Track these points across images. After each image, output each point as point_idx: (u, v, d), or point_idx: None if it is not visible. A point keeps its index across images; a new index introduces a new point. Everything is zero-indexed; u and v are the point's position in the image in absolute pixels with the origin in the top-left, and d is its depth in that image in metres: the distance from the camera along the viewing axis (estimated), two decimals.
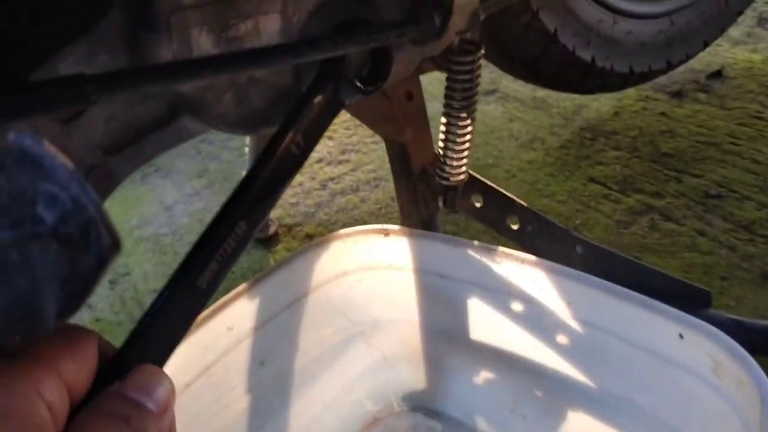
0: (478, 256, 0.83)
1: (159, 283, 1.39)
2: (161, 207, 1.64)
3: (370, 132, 1.70)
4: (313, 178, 1.68)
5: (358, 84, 0.68)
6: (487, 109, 1.80)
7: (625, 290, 0.74)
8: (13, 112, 0.51)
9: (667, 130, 1.58)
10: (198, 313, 0.60)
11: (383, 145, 1.12)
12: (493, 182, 0.97)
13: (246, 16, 0.60)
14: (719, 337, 0.65)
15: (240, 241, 0.61)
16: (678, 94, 1.70)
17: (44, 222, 0.33)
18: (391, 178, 1.64)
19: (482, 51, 0.83)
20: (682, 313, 0.70)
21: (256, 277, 0.84)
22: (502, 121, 1.74)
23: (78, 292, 0.37)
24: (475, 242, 0.83)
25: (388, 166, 1.67)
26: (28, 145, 0.33)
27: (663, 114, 1.64)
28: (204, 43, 0.59)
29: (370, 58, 0.70)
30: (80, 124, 0.61)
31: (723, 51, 1.87)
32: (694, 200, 1.35)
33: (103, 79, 0.52)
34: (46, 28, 0.59)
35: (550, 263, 0.79)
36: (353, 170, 1.70)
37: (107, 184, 0.65)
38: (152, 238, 1.55)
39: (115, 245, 0.34)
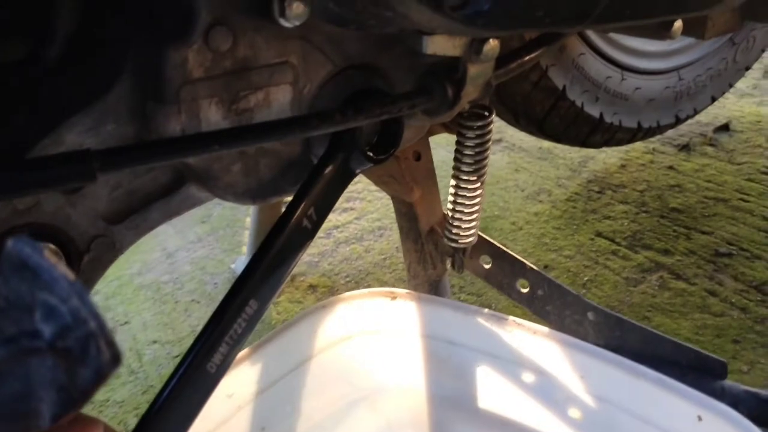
0: (488, 325, 0.81)
1: (158, 332, 1.36)
2: (163, 254, 1.63)
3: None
4: None
5: (370, 153, 0.67)
6: (492, 158, 1.79)
7: (642, 367, 0.71)
8: (18, 189, 0.49)
9: (675, 185, 1.56)
10: (208, 396, 0.58)
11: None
12: (499, 234, 0.96)
13: (257, 88, 0.59)
14: (741, 424, 0.62)
15: (250, 320, 0.59)
16: (685, 148, 1.69)
17: (42, 336, 0.31)
18: (395, 227, 1.63)
19: (493, 115, 0.82)
20: (701, 395, 0.67)
21: (258, 342, 0.82)
22: (508, 171, 1.73)
23: (74, 398, 0.35)
24: (486, 310, 0.81)
25: (392, 215, 1.67)
26: (26, 255, 0.31)
27: (671, 168, 1.63)
28: (213, 115, 0.58)
29: (381, 127, 0.69)
30: (85, 194, 0.60)
31: (729, 104, 1.87)
32: (704, 258, 1.33)
33: (110, 154, 0.51)
34: (51, 99, 0.58)
35: (563, 335, 0.76)
36: (358, 219, 1.68)
37: (110, 254, 0.63)
38: (153, 286, 1.53)
39: (115, 360, 0.32)
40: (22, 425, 0.35)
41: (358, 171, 0.67)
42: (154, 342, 1.36)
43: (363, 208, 1.71)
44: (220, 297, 1.50)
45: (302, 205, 0.62)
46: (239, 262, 1.54)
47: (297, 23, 0.52)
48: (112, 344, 0.32)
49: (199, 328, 1.36)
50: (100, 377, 0.33)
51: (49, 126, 0.56)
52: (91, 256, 0.62)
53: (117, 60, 0.57)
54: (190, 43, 0.54)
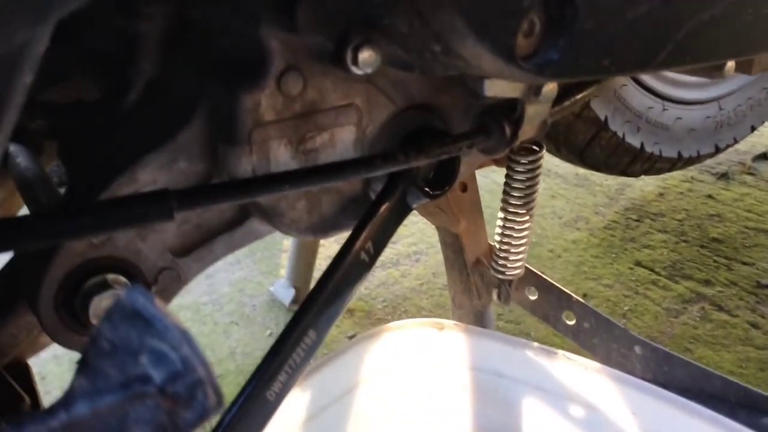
0: (536, 358, 0.82)
1: None
2: (202, 275, 1.63)
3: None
4: None
5: (426, 189, 0.68)
6: None
7: (695, 405, 0.71)
8: (100, 227, 0.52)
9: (714, 214, 1.56)
10: (266, 423, 0.60)
11: (424, 218, 1.11)
12: (537, 262, 0.96)
13: (323, 129, 0.61)
14: None
15: (309, 350, 0.61)
16: (724, 176, 1.69)
17: (152, 380, 0.33)
18: (431, 252, 1.64)
19: (543, 150, 0.83)
20: None
21: (307, 370, 0.83)
22: (545, 198, 1.73)
23: None
24: (535, 344, 0.82)
25: (428, 239, 1.68)
26: (141, 305, 0.33)
27: (709, 196, 1.63)
28: (282, 156, 0.59)
29: (438, 164, 0.70)
30: (155, 228, 0.62)
31: None
32: (745, 290, 1.32)
33: (187, 194, 0.53)
34: (127, 138, 0.61)
35: (613, 371, 0.77)
36: (393, 243, 1.69)
37: (176, 286, 0.65)
38: (192, 307, 1.55)
39: (219, 404, 0.34)
40: None
41: (415, 206, 0.69)
42: None
43: (399, 233, 1.71)
44: (259, 319, 1.52)
45: (360, 239, 0.64)
46: (278, 285, 1.56)
47: (369, 71, 0.54)
48: (217, 390, 0.34)
49: (238, 350, 1.38)
50: (202, 419, 0.35)
51: (125, 164, 0.58)
52: (158, 288, 0.64)
53: (190, 101, 0.59)
54: (263, 88, 0.56)
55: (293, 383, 0.59)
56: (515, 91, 0.64)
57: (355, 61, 0.53)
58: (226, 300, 1.57)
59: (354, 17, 0.52)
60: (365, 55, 0.53)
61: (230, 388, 1.22)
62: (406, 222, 1.87)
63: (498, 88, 0.62)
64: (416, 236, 1.69)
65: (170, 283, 0.65)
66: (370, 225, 0.63)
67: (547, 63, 0.50)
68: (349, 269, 0.62)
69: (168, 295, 0.66)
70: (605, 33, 0.50)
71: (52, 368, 1.34)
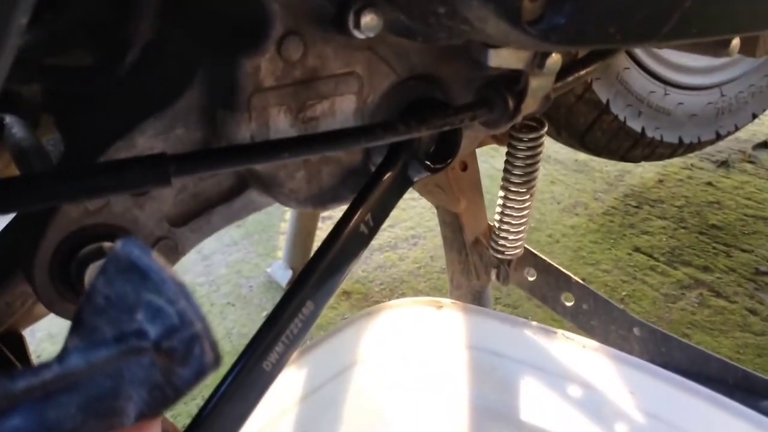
0: (535, 337, 0.81)
1: None
2: (199, 256, 1.64)
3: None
4: None
5: (427, 162, 0.67)
6: None
7: (694, 384, 0.71)
8: (96, 191, 0.51)
9: (714, 201, 1.55)
10: (263, 394, 0.59)
11: (422, 201, 1.10)
12: (536, 247, 0.96)
13: (323, 97, 0.60)
14: None
15: (306, 321, 0.60)
16: (724, 164, 1.68)
17: (148, 336, 0.32)
18: (429, 236, 1.63)
19: (545, 128, 0.83)
20: (756, 414, 0.67)
21: (304, 347, 0.82)
22: (544, 184, 1.72)
23: (168, 396, 0.36)
24: (533, 323, 0.81)
25: (426, 223, 1.67)
26: (136, 256, 0.32)
27: (709, 184, 1.62)
28: (281, 123, 0.59)
29: (439, 137, 0.69)
30: (152, 196, 0.61)
31: None
32: (744, 276, 1.32)
33: (184, 159, 0.52)
34: (126, 103, 0.60)
35: (612, 350, 0.76)
36: (392, 227, 1.69)
37: (173, 256, 0.64)
38: (189, 288, 1.54)
39: (216, 361, 0.33)
40: (105, 423, 0.36)
41: (415, 179, 0.68)
42: None
43: (397, 216, 1.71)
44: (256, 300, 1.51)
45: (360, 211, 0.63)
46: (275, 267, 1.55)
47: (370, 35, 0.53)
48: (214, 346, 0.33)
49: (235, 331, 1.37)
50: (199, 377, 0.34)
51: (123, 129, 0.57)
52: None
53: (189, 67, 0.58)
54: (263, 52, 0.55)
55: (290, 354, 0.58)
56: (519, 63, 0.63)
57: (357, 25, 0.52)
58: (223, 281, 1.56)
59: None
60: (367, 18, 0.52)
61: (226, 369, 1.21)
62: (404, 206, 1.86)
63: (502, 58, 0.61)
64: (414, 220, 1.68)
65: (168, 253, 0.64)
66: (370, 197, 0.62)
67: (553, 28, 0.49)
68: (347, 241, 0.62)
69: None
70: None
71: (47, 347, 1.33)
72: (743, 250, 1.39)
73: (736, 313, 1.23)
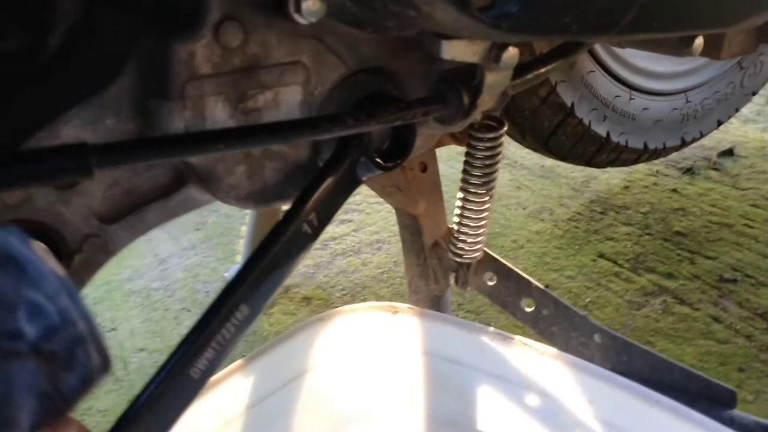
0: (492, 344, 0.78)
1: (146, 341, 1.32)
2: (155, 260, 1.59)
3: (374, 192, 1.67)
4: None
5: (378, 160, 0.64)
6: None
7: (655, 394, 0.68)
8: (8, 182, 0.46)
9: (679, 208, 1.54)
10: (189, 403, 0.55)
11: (387, 206, 1.07)
12: (500, 252, 0.93)
13: (266, 87, 0.57)
14: None
15: (240, 326, 0.56)
16: (689, 171, 1.68)
17: (24, 337, 0.28)
18: (393, 240, 1.60)
19: (505, 128, 0.80)
20: (717, 424, 0.64)
21: (251, 354, 0.78)
22: (510, 189, 1.71)
23: (57, 406, 0.32)
24: (491, 328, 0.78)
25: (391, 228, 1.64)
26: (12, 246, 0.28)
27: (674, 191, 1.62)
28: (219, 114, 0.55)
29: (392, 134, 0.66)
30: (79, 191, 0.57)
31: (733, 129, 1.86)
32: (708, 284, 1.31)
33: (107, 149, 0.48)
34: (49, 91, 0.55)
35: (571, 357, 0.73)
36: (355, 231, 1.65)
37: (102, 255, 0.60)
38: (143, 292, 1.49)
39: (104, 366, 0.29)
40: None
41: (364, 178, 0.64)
42: (142, 350, 1.32)
43: (361, 221, 1.68)
44: None
45: (304, 209, 0.59)
46: (233, 271, 1.50)
47: (312, 20, 0.49)
48: (102, 349, 0.29)
49: None
50: (86, 385, 0.30)
51: (46, 118, 0.53)
52: (82, 257, 0.59)
53: (120, 52, 0.54)
54: (198, 37, 0.51)
55: (221, 361, 0.55)
56: (474, 56, 0.60)
57: (297, 9, 0.49)
58: (179, 286, 1.51)
59: None
60: (309, 2, 0.49)
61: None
62: (368, 210, 1.83)
63: (456, 50, 0.58)
64: (379, 224, 1.65)
65: (96, 251, 0.60)
66: (315, 195, 0.59)
67: (505, 15, 0.46)
68: (289, 240, 0.58)
69: (93, 266, 0.60)
70: None
71: None
72: (707, 257, 1.38)
73: (700, 321, 1.22)
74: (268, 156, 0.60)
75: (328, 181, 0.59)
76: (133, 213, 0.60)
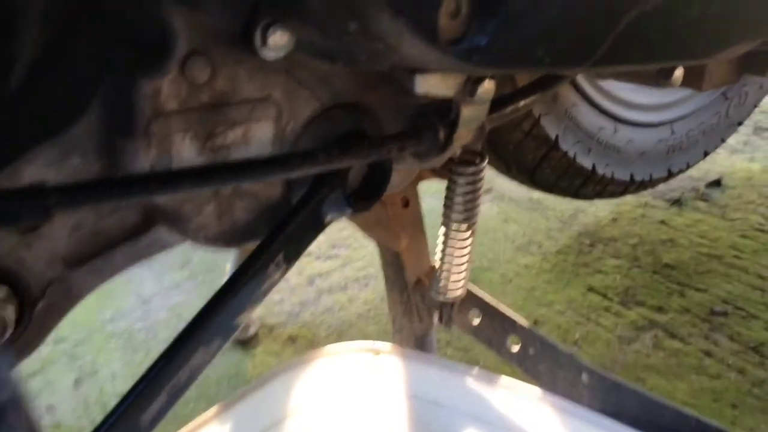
0: (477, 385, 0.76)
1: (127, 385, 1.27)
2: (138, 300, 1.56)
3: None
4: (300, 273, 1.60)
5: (352, 199, 0.62)
6: (481, 208, 1.75)
7: None
8: None
9: (667, 240, 1.53)
10: None
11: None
12: (488, 287, 0.91)
13: (235, 124, 0.55)
14: None
15: (194, 370, 0.54)
16: (677, 202, 1.67)
17: None
18: (381, 276, 1.58)
19: (485, 162, 0.79)
20: None
21: (228, 400, 0.75)
22: (497, 222, 1.69)
23: None
24: (475, 369, 0.76)
25: (378, 263, 1.61)
26: None
27: (662, 222, 1.60)
28: (187, 152, 0.53)
29: (368, 171, 0.65)
30: (42, 234, 0.55)
31: (721, 159, 1.86)
32: (698, 317, 1.29)
33: (66, 191, 0.46)
34: (10, 129, 0.54)
35: (558, 399, 0.71)
36: (342, 266, 1.63)
37: (67, 301, 0.58)
38: (125, 334, 1.46)
39: None
40: None
41: (336, 218, 0.63)
42: (122, 394, 1.28)
43: (348, 256, 1.66)
44: None
45: (271, 249, 0.58)
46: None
47: (280, 54, 0.48)
48: (29, 421, 0.27)
49: None
50: None
51: (6, 158, 0.51)
52: (46, 302, 0.56)
53: (85, 88, 0.52)
54: (164, 73, 0.50)
55: (171, 406, 0.52)
56: (449, 90, 0.59)
57: (264, 43, 0.48)
58: (162, 327, 1.47)
59: None
60: (276, 36, 0.47)
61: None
62: (355, 245, 1.80)
63: (430, 84, 0.57)
64: (366, 259, 1.63)
65: (61, 297, 0.57)
66: (285, 235, 0.57)
67: (475, 48, 0.45)
68: (252, 282, 0.56)
69: (60, 311, 0.58)
70: (538, 18, 0.46)
71: None
72: (697, 290, 1.36)
73: (692, 355, 1.20)
74: (238, 195, 0.58)
75: (299, 221, 0.58)
76: (99, 256, 0.58)
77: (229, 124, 0.55)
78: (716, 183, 1.74)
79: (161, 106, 0.51)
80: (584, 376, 0.85)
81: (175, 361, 0.49)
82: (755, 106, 1.51)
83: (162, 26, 0.49)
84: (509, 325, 0.89)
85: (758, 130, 2.01)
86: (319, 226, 0.60)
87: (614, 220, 1.64)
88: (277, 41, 0.48)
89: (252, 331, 1.38)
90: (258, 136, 0.57)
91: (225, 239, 0.59)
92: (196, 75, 0.51)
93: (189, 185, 0.49)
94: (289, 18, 0.47)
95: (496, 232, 1.65)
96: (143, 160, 0.52)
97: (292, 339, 1.38)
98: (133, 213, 0.59)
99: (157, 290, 1.59)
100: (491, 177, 1.86)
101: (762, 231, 1.54)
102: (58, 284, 0.56)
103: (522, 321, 0.89)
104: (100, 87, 0.52)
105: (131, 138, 0.51)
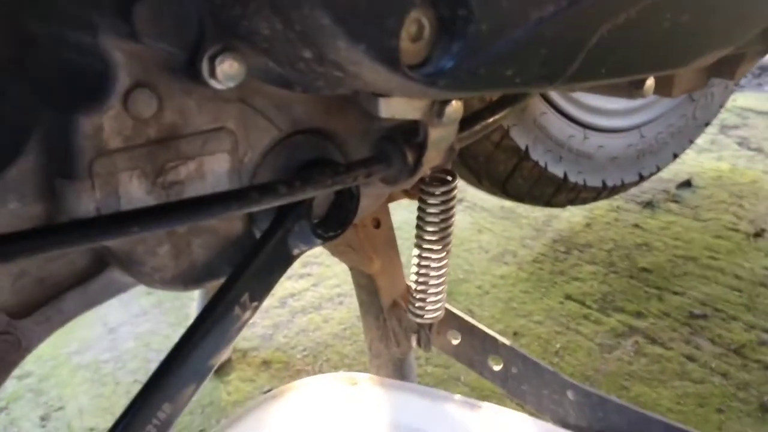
0: (458, 413, 0.73)
1: (96, 419, 1.23)
2: (105, 329, 1.50)
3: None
4: (272, 294, 1.54)
5: (319, 230, 0.59)
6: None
7: None
8: None
9: (642, 243, 1.52)
10: None
11: None
12: (465, 299, 0.88)
13: (188, 158, 0.51)
14: None
15: (162, 426, 0.50)
16: (649, 205, 1.66)
17: None
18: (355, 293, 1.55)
19: (457, 180, 0.76)
20: None
21: None
22: (471, 232, 1.67)
23: None
24: (457, 396, 0.73)
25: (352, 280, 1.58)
26: None
27: (636, 225, 1.60)
28: (135, 191, 0.49)
29: (335, 198, 0.61)
30: None
31: (689, 159, 1.86)
32: (678, 321, 1.27)
33: (3, 241, 0.42)
34: None
35: (543, 423, 0.68)
36: (315, 285, 1.59)
37: (15, 354, 0.53)
38: (92, 366, 1.40)
39: None
40: None
41: (304, 251, 0.59)
42: (91, 430, 1.22)
43: (321, 274, 1.62)
44: None
45: (235, 290, 0.54)
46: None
47: (231, 84, 0.45)
48: None
49: None
50: None
51: None
52: None
53: (20, 128, 0.48)
54: (105, 109, 0.46)
55: None
56: (415, 113, 0.56)
57: (212, 74, 0.44)
58: (130, 356, 1.42)
59: (207, 20, 0.43)
60: (225, 66, 0.44)
61: None
62: (328, 262, 1.76)
63: (394, 108, 0.54)
64: (340, 277, 1.59)
65: (7, 351, 0.53)
66: (249, 273, 0.53)
67: (440, 72, 0.42)
68: (216, 328, 0.52)
69: (7, 365, 0.54)
70: (506, 38, 0.43)
71: None
72: (675, 293, 1.35)
73: (674, 361, 1.18)
74: (195, 232, 0.54)
75: (263, 257, 0.54)
76: (47, 304, 0.54)
77: (181, 158, 0.51)
78: (686, 184, 1.74)
79: (104, 144, 0.47)
80: (570, 393, 0.82)
81: (138, 420, 0.45)
82: (721, 107, 1.51)
83: (100, 60, 0.45)
84: (490, 343, 0.86)
85: (724, 128, 2.02)
86: (286, 261, 0.57)
87: (588, 225, 1.63)
88: (227, 71, 0.44)
89: (224, 357, 1.33)
90: (213, 170, 0.53)
91: (184, 281, 0.55)
92: (141, 109, 0.47)
93: (138, 228, 0.45)
94: (239, 46, 0.43)
95: (470, 242, 1.63)
96: (87, 202, 0.48)
97: (266, 363, 1.34)
98: (82, 256, 0.55)
99: (124, 319, 1.53)
100: (463, 187, 1.84)
101: (735, 230, 1.54)
102: (3, 337, 0.52)
103: (503, 339, 0.86)
104: (36, 126, 0.48)
105: (71, 180, 0.47)
